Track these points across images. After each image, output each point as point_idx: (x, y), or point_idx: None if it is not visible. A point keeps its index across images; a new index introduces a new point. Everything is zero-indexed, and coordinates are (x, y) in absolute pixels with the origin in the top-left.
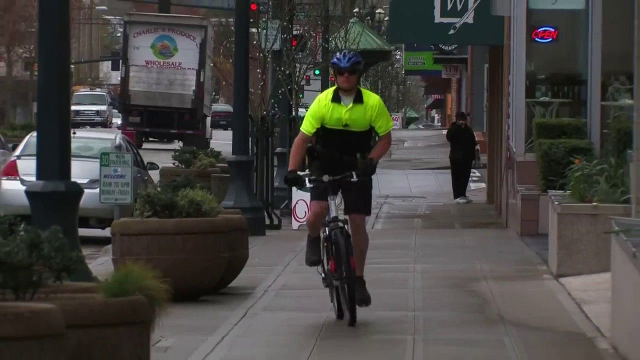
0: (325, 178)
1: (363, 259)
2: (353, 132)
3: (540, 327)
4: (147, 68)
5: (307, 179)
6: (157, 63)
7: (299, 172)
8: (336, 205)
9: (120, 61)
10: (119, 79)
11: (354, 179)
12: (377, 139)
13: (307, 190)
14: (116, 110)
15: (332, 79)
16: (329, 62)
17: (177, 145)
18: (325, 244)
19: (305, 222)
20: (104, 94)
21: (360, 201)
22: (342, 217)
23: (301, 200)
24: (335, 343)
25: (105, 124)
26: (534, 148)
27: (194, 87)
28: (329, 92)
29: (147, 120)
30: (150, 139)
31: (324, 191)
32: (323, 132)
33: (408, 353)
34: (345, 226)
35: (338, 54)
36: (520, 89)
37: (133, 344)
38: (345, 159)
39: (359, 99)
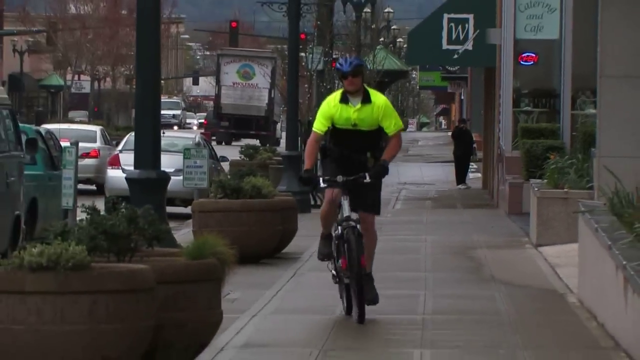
0: (339, 179)
1: (372, 257)
2: (362, 131)
3: (523, 285)
4: (233, 87)
5: (321, 179)
6: (240, 84)
7: (313, 172)
8: (349, 205)
9: (215, 82)
10: (214, 95)
11: (367, 180)
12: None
13: (321, 190)
14: (190, 113)
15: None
16: (334, 68)
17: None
18: (336, 242)
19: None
20: (179, 101)
21: (371, 201)
22: (354, 216)
23: None
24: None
25: (180, 125)
26: (519, 146)
27: (266, 101)
28: (337, 94)
29: (234, 124)
30: (234, 138)
31: (337, 197)
32: (334, 131)
33: (420, 304)
34: (358, 225)
35: (341, 59)
36: (508, 100)
37: (208, 297)
38: (356, 157)
39: (366, 100)
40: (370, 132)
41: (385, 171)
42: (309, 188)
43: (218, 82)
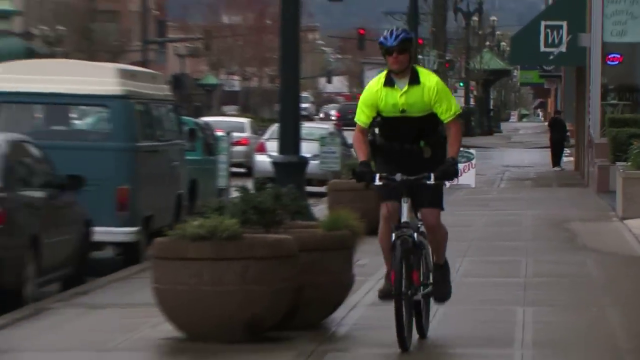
0: (398, 177)
1: (442, 249)
2: (413, 118)
3: (611, 252)
4: None
5: (376, 175)
6: None
7: (369, 167)
8: (409, 208)
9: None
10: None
11: (432, 181)
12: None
13: (376, 188)
14: (327, 106)
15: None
16: (378, 43)
17: None
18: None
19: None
20: (307, 95)
21: (433, 196)
22: (414, 223)
23: None
24: (481, 247)
25: (309, 117)
26: (606, 134)
27: None
28: (381, 76)
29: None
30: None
31: (394, 191)
32: (381, 122)
33: (522, 267)
34: (415, 234)
35: (386, 32)
36: (597, 95)
37: (341, 262)
38: (408, 149)
39: (415, 80)
40: (422, 118)
41: (455, 173)
42: (363, 185)
43: (360, 84)
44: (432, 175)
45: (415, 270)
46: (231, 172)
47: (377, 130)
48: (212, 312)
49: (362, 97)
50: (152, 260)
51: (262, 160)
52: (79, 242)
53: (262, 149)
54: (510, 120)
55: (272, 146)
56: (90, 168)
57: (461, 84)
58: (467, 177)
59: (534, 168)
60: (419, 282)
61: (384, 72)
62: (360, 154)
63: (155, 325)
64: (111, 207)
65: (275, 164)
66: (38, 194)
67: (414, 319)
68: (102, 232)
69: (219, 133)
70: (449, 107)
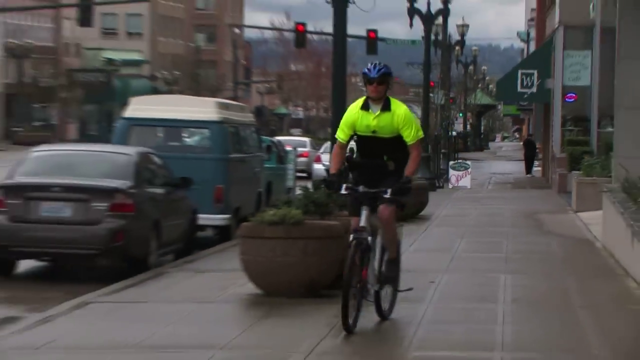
0: (361, 189)
1: (393, 245)
2: (382, 138)
3: (568, 236)
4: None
5: (344, 185)
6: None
7: (338, 177)
8: (368, 216)
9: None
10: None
11: (387, 195)
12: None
13: (343, 196)
14: None
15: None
16: (362, 72)
17: None
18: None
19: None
20: None
21: (390, 199)
22: (368, 228)
23: (453, 175)
24: (475, 231)
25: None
26: (565, 151)
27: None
28: (360, 100)
29: None
30: None
31: (357, 202)
32: (357, 139)
33: (504, 246)
34: (369, 238)
35: (369, 64)
36: (558, 122)
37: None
38: (376, 162)
39: (387, 107)
40: (390, 139)
41: (407, 190)
42: (333, 193)
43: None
44: (389, 191)
45: (365, 267)
46: (296, 176)
47: (355, 148)
48: (282, 276)
49: (343, 118)
50: (240, 239)
51: (318, 168)
52: (188, 225)
53: (318, 160)
54: (496, 141)
55: (325, 158)
56: (196, 172)
57: (460, 115)
58: (464, 181)
59: (512, 175)
60: (366, 277)
61: (363, 98)
62: (333, 165)
63: (242, 285)
64: (211, 200)
65: (327, 170)
66: (159, 190)
67: (374, 307)
68: (204, 218)
69: (288, 148)
70: (412, 133)
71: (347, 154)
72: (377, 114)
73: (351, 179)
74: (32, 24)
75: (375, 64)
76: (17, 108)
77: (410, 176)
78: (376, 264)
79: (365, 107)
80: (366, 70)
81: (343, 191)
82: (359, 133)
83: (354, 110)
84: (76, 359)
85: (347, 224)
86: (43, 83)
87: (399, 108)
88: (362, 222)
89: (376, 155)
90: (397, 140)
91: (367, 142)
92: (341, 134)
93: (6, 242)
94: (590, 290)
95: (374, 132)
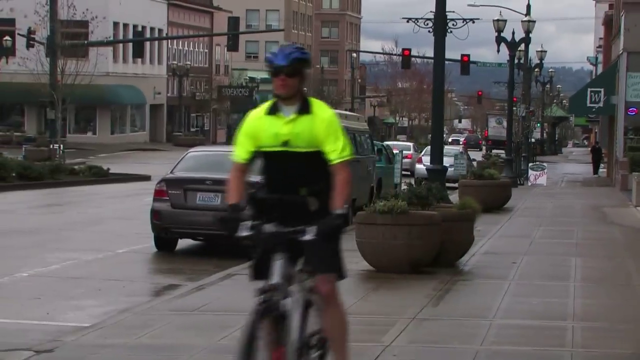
0: (268, 227)
1: (338, 342)
2: (297, 153)
3: (629, 226)
4: (493, 128)
5: (243, 224)
6: (496, 127)
7: (238, 210)
8: (282, 267)
9: (486, 124)
10: (487, 128)
11: (307, 237)
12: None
13: (243, 241)
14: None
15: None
16: (266, 60)
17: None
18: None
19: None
20: (446, 130)
21: (323, 257)
22: (283, 285)
23: (532, 174)
24: (550, 221)
25: (445, 142)
26: (627, 155)
27: (505, 133)
28: (266, 104)
29: (492, 144)
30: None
31: (264, 250)
32: (263, 160)
33: (575, 233)
34: (280, 302)
35: (277, 49)
36: (621, 132)
37: (467, 228)
38: (290, 200)
39: (305, 109)
40: (309, 155)
41: (337, 229)
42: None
43: (487, 124)
44: (309, 230)
45: (278, 348)
46: (402, 174)
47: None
48: (390, 255)
49: (241, 128)
50: (356, 225)
51: (420, 168)
52: None
53: (420, 161)
54: (568, 147)
55: (426, 159)
56: None
57: (538, 125)
58: (541, 179)
59: (582, 175)
60: None
61: (271, 101)
62: (230, 195)
63: (357, 262)
64: None
65: (428, 170)
66: None
67: None
68: None
69: (395, 151)
70: (338, 147)
71: (250, 191)
72: (290, 117)
73: (255, 214)
74: (190, 49)
75: (283, 46)
76: (177, 117)
77: (340, 208)
78: (297, 336)
79: (273, 110)
80: (270, 56)
81: (243, 232)
82: (264, 149)
83: (256, 115)
84: (223, 320)
85: (444, 213)
86: (198, 97)
87: (323, 111)
88: (276, 276)
89: (289, 185)
90: (318, 158)
91: (276, 163)
92: (239, 150)
93: (169, 225)
94: None
95: (285, 143)
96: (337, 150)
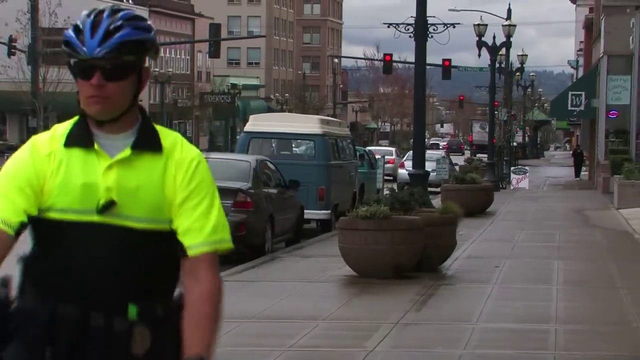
0: None
1: None
2: (126, 230)
3: (611, 229)
4: (478, 133)
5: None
6: (480, 132)
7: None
8: None
9: (470, 130)
10: (470, 133)
11: None
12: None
13: None
14: (435, 139)
15: None
16: (63, 42)
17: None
18: None
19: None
20: (427, 134)
21: None
22: None
23: (514, 178)
24: (532, 224)
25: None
26: (608, 158)
27: (487, 138)
28: (59, 128)
29: (477, 148)
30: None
31: None
32: (45, 233)
33: (557, 237)
34: None
35: (85, 17)
36: (602, 135)
37: (449, 233)
38: (100, 323)
39: (149, 142)
40: (149, 235)
41: None
42: None
43: (471, 129)
44: None
45: None
46: (384, 179)
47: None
48: (373, 261)
49: (5, 170)
50: (338, 230)
51: (403, 172)
52: (296, 219)
53: (402, 166)
54: (549, 150)
55: (408, 164)
56: (303, 176)
57: (520, 128)
58: (523, 183)
59: (563, 178)
60: None
61: (71, 121)
62: None
63: (340, 268)
64: (315, 198)
65: (410, 174)
66: (273, 190)
67: None
68: (309, 213)
69: (377, 156)
70: (211, 226)
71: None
72: (120, 156)
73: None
74: (172, 56)
75: (96, 13)
76: (159, 124)
77: (204, 353)
78: None
79: (81, 139)
80: (70, 34)
81: None
82: (56, 215)
83: (41, 148)
84: None
85: (427, 218)
86: (180, 104)
87: (184, 149)
88: None
89: (104, 293)
90: (165, 243)
91: (79, 248)
92: (4, 211)
93: None
94: (630, 273)
95: (105, 207)
96: (204, 230)
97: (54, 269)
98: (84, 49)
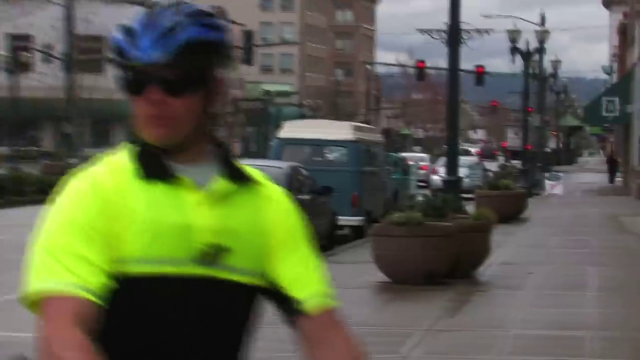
0: None
1: None
2: (231, 284)
3: None
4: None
5: None
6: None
7: None
8: None
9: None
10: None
11: None
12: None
13: None
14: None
15: None
16: (114, 46)
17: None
18: None
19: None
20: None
21: None
22: None
23: (548, 184)
24: (566, 230)
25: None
26: None
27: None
28: (113, 158)
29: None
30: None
31: None
32: (120, 295)
33: (591, 242)
34: None
35: (130, 21)
36: (637, 141)
37: (483, 239)
38: None
39: (238, 173)
40: (250, 292)
41: None
42: None
43: (505, 135)
44: None
45: None
46: (417, 185)
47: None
48: (406, 267)
49: (59, 218)
50: (372, 236)
51: (436, 179)
52: (329, 225)
53: (435, 172)
54: (583, 156)
55: (442, 170)
56: (336, 182)
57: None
58: (557, 189)
59: (597, 184)
60: None
61: (128, 149)
62: None
63: (373, 274)
64: (348, 204)
65: (443, 181)
66: (306, 196)
67: None
68: (342, 220)
69: (410, 162)
70: (317, 278)
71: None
72: (214, 188)
73: None
74: None
75: (157, 11)
76: None
77: None
78: None
79: (156, 168)
80: (120, 37)
81: None
82: (128, 268)
83: (102, 184)
84: None
85: (460, 224)
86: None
87: (266, 181)
88: None
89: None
90: (251, 299)
91: (171, 309)
92: (69, 274)
93: None
94: None
95: (209, 256)
96: (314, 284)
97: (141, 344)
98: (138, 53)
